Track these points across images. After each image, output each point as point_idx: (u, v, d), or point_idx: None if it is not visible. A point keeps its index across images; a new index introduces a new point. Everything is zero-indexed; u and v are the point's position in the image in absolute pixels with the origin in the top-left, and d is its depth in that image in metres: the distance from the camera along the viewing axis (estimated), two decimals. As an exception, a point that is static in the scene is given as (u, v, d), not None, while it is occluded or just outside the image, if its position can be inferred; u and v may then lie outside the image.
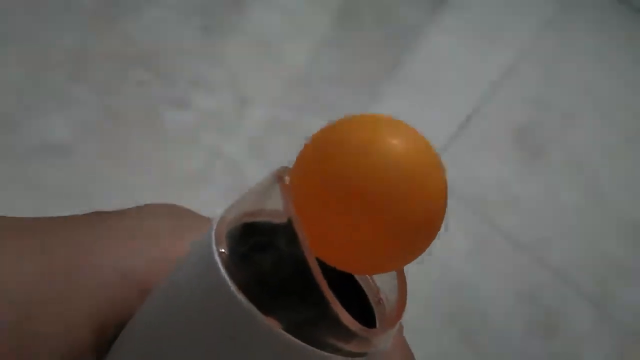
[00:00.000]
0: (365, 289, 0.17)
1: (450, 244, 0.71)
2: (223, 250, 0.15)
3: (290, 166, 0.16)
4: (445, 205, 0.14)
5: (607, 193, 0.89)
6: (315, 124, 0.15)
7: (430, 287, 0.66)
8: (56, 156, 0.58)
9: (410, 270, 0.17)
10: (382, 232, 0.14)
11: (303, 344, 0.14)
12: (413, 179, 0.14)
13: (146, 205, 0.21)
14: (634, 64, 1.19)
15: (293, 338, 0.14)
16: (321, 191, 0.14)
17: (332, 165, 0.14)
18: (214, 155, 0.65)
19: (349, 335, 0.15)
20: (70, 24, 0.70)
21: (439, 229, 0.15)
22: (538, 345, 0.68)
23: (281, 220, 0.15)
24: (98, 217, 0.20)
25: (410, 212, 0.14)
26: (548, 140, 0.94)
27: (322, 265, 0.15)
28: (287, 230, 0.15)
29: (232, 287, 0.14)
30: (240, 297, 0.14)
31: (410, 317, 0.16)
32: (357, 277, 0.18)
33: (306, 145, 0.15)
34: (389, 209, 0.14)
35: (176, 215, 0.21)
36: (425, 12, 1.05)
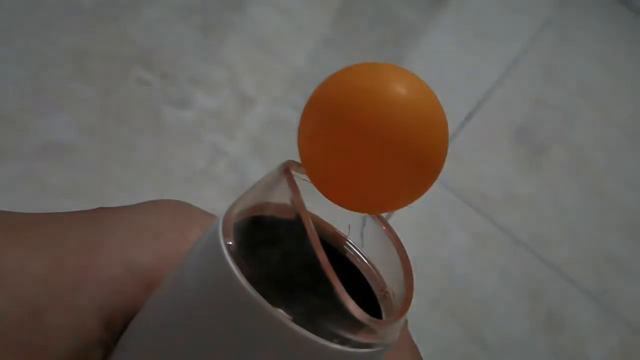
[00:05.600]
0: (370, 283, 0.18)
1: (452, 241, 0.71)
2: (230, 242, 0.15)
3: (296, 160, 0.16)
4: (446, 141, 0.15)
5: (608, 190, 0.89)
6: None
7: (432, 285, 0.66)
8: (59, 156, 0.58)
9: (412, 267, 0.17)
10: (388, 164, 0.15)
11: (311, 334, 0.14)
12: (416, 114, 0.15)
13: (151, 202, 0.21)
14: (634, 62, 1.19)
15: (302, 329, 0.14)
16: (329, 128, 0.15)
17: (339, 103, 0.15)
18: (215, 154, 0.66)
19: (356, 325, 0.15)
20: (70, 24, 0.70)
21: (442, 163, 0.15)
22: (542, 342, 0.68)
23: (288, 213, 0.15)
24: (104, 212, 0.20)
25: (414, 144, 0.15)
26: (549, 138, 0.94)
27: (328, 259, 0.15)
28: (295, 224, 0.15)
29: (241, 278, 0.15)
30: (249, 288, 0.14)
31: (412, 315, 0.16)
32: (362, 271, 0.18)
33: (314, 91, 0.15)
34: (393, 140, 0.14)
35: (181, 211, 0.21)
36: (424, 12, 1.05)
